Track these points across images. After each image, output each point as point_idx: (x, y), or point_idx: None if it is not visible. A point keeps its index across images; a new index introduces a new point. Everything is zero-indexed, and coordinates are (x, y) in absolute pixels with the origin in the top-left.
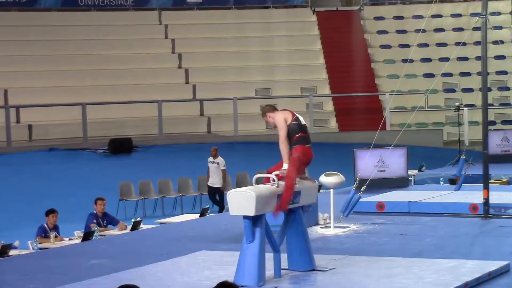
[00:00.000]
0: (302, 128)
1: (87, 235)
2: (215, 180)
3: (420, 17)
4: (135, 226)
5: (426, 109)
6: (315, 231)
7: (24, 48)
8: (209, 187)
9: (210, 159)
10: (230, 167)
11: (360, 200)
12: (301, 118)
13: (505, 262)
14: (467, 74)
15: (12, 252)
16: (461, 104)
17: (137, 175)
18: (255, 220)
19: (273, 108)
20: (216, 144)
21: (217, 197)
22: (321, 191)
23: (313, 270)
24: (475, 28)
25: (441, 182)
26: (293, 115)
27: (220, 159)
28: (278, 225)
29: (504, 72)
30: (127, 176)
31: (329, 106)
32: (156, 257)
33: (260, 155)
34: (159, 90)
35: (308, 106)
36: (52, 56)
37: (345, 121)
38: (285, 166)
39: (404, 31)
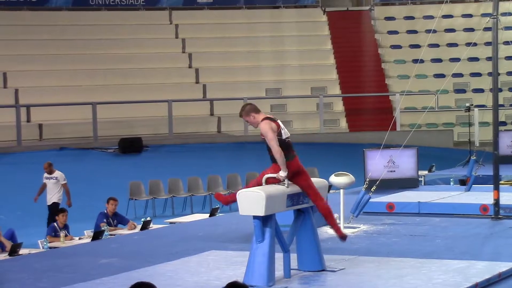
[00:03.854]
0: (285, 143)
1: (97, 235)
2: (53, 197)
3: (431, 17)
4: (145, 226)
5: (436, 110)
6: (325, 231)
7: (34, 47)
8: (49, 206)
9: (45, 175)
10: (240, 167)
11: (370, 200)
12: (283, 127)
13: None
14: (478, 74)
15: (22, 251)
16: (472, 105)
17: (147, 174)
18: (265, 220)
19: (257, 109)
20: (226, 144)
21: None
22: (331, 191)
23: (323, 270)
24: (486, 29)
25: (451, 183)
26: (278, 126)
27: (58, 173)
28: (288, 225)
29: None
30: (137, 176)
31: (339, 106)
32: (165, 256)
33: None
34: (170, 90)
35: (318, 106)
36: (62, 56)
37: (355, 121)
38: (282, 173)
39: (414, 31)
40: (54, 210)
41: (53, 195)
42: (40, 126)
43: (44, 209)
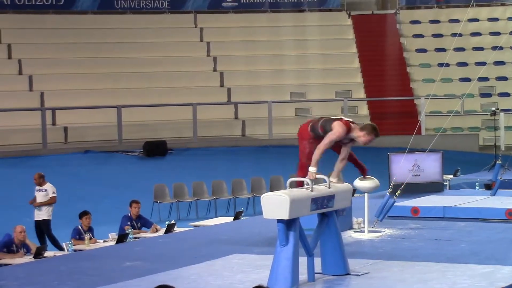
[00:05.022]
0: None
1: (121, 238)
2: (41, 212)
3: (457, 21)
4: (169, 229)
5: (461, 114)
6: (349, 235)
7: (60, 51)
8: (36, 221)
9: (37, 187)
10: (264, 170)
11: (395, 204)
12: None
13: None
14: (504, 78)
15: (47, 254)
16: (497, 109)
17: (171, 177)
18: (289, 224)
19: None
20: (251, 148)
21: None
22: (355, 195)
23: (347, 274)
24: None
25: (477, 187)
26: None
27: (48, 186)
28: (312, 229)
29: None
30: (162, 179)
31: (364, 110)
32: (189, 260)
33: (294, 159)
34: (194, 93)
35: (343, 110)
36: (88, 59)
37: (380, 125)
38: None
39: (440, 35)
40: (45, 228)
41: (41, 208)
42: (65, 129)
43: (69, 211)
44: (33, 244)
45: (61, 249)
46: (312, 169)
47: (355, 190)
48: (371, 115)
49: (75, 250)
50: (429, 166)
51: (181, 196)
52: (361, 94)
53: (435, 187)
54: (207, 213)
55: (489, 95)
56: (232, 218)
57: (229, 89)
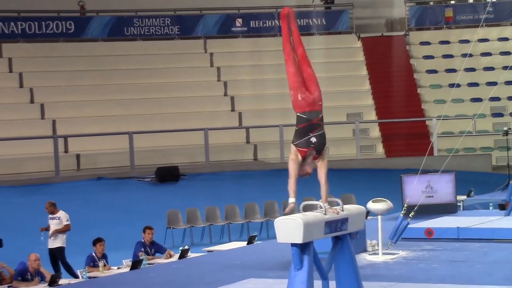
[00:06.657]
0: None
1: (136, 264)
2: (56, 239)
3: (466, 41)
4: (183, 254)
5: (474, 134)
6: (363, 258)
7: (71, 78)
8: (50, 249)
9: (50, 215)
10: (276, 194)
11: (409, 226)
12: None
13: None
14: None
15: (61, 281)
16: (510, 129)
17: (184, 203)
18: (303, 248)
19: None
20: (263, 172)
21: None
22: (368, 217)
23: None
24: None
25: (491, 208)
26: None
27: (61, 213)
28: (326, 252)
29: None
30: (175, 204)
31: (375, 132)
32: (204, 285)
33: (306, 182)
34: (205, 118)
35: (354, 132)
36: (99, 86)
37: (392, 147)
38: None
39: (450, 56)
40: (59, 255)
41: (56, 236)
42: (78, 156)
43: (83, 238)
44: (48, 272)
45: (76, 276)
46: (291, 200)
47: (368, 213)
48: (382, 136)
49: (89, 277)
50: (442, 187)
51: (194, 221)
52: (373, 116)
53: (449, 208)
54: (220, 238)
55: (501, 115)
56: (246, 242)
57: (240, 114)
